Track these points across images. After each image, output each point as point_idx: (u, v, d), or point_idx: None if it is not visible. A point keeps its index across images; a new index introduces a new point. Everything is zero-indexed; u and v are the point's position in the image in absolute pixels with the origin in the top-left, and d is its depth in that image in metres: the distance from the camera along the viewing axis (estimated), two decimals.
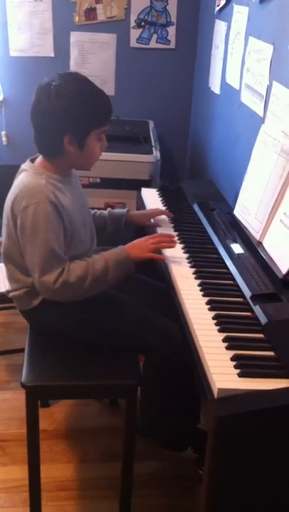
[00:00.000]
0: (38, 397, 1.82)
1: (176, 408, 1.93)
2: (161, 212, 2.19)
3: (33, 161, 1.82)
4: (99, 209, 2.15)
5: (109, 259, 1.77)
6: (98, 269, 1.75)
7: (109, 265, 1.76)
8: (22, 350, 1.92)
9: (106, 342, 1.84)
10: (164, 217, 2.18)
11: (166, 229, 2.10)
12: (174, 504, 2.01)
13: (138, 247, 1.83)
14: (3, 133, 3.56)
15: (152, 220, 2.16)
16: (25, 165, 1.81)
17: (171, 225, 2.14)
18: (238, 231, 1.99)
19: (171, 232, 2.07)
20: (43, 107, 1.69)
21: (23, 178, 1.75)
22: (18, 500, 1.99)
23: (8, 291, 1.89)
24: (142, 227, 2.19)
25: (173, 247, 1.89)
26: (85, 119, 1.70)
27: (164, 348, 1.82)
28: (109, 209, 2.15)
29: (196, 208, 2.28)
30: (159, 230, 2.08)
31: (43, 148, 1.77)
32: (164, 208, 2.31)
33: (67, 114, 1.67)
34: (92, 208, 2.12)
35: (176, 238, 1.95)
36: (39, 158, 1.80)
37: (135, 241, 1.88)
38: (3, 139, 3.57)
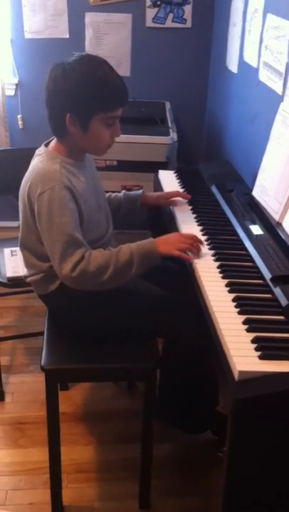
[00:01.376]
0: (58, 380, 1.83)
1: (194, 390, 1.93)
2: (177, 194, 2.16)
3: (47, 145, 1.80)
4: (116, 192, 2.14)
5: (135, 252, 1.71)
6: (122, 261, 1.70)
7: (134, 258, 1.71)
8: (40, 334, 1.93)
9: (121, 325, 1.83)
10: (180, 198, 2.15)
11: (183, 208, 2.07)
12: (192, 486, 2.01)
13: (168, 242, 1.76)
14: (19, 116, 3.54)
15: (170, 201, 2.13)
16: (40, 150, 1.80)
17: (190, 207, 2.12)
18: (256, 212, 1.97)
19: (189, 212, 2.05)
20: (49, 86, 1.69)
21: (37, 164, 1.74)
22: (38, 482, 2.01)
23: (25, 276, 1.89)
24: (157, 208, 2.17)
25: (199, 252, 1.76)
26: (87, 101, 1.67)
27: (179, 329, 1.82)
28: (124, 191, 2.13)
29: (213, 189, 2.26)
30: (176, 209, 2.06)
31: (52, 127, 1.76)
32: (181, 191, 2.28)
33: (68, 93, 1.66)
34: (110, 191, 2.11)
35: (205, 244, 1.81)
36: (52, 142, 1.79)
37: (167, 235, 1.83)
38: (19, 122, 3.55)
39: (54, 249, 1.67)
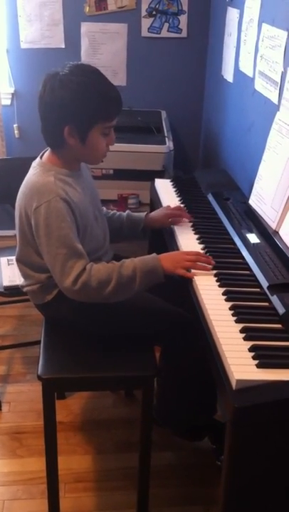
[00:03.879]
0: (55, 390, 1.82)
1: (191, 398, 1.93)
2: (179, 209, 2.09)
3: (42, 156, 1.79)
4: (112, 201, 2.13)
5: (138, 267, 1.69)
6: (124, 276, 1.68)
7: (137, 273, 1.68)
8: (37, 343, 1.92)
9: (118, 333, 1.83)
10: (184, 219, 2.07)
11: (184, 225, 2.04)
12: (191, 494, 2.00)
13: (173, 259, 1.73)
14: (15, 126, 3.56)
15: (170, 220, 2.06)
16: (34, 162, 1.79)
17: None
18: (253, 221, 1.97)
19: (186, 221, 2.05)
20: (46, 96, 1.67)
21: (31, 177, 1.73)
22: (36, 492, 2.00)
23: (22, 286, 1.89)
24: (161, 229, 2.11)
25: (208, 269, 1.71)
26: (87, 112, 1.66)
27: (177, 338, 1.82)
28: (128, 211, 2.10)
29: (210, 197, 2.26)
30: (177, 230, 2.00)
31: (47, 139, 1.74)
32: (177, 199, 2.29)
33: (68, 105, 1.64)
34: (107, 200, 2.10)
35: (212, 261, 1.74)
36: (47, 153, 1.78)
37: (171, 253, 1.81)
38: (15, 131, 3.57)
39: (54, 262, 1.65)
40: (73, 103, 1.64)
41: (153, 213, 2.12)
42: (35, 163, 1.78)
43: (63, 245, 1.64)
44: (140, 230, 2.06)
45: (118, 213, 2.08)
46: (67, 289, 1.66)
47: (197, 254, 1.76)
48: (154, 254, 1.76)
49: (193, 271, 1.70)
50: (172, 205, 2.14)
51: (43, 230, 1.65)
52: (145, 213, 2.09)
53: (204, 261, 1.73)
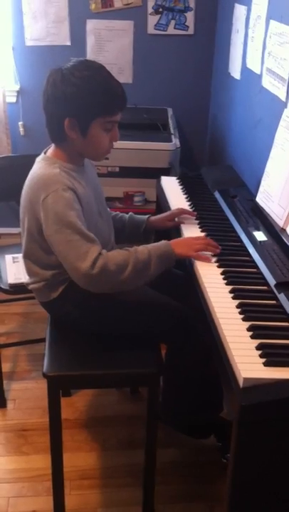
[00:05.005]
0: (60, 387, 1.82)
1: (197, 396, 1.92)
2: (182, 211, 2.08)
3: (46, 152, 1.80)
4: (118, 198, 2.13)
5: (152, 252, 1.71)
6: (140, 260, 1.68)
7: (152, 258, 1.70)
8: (42, 340, 1.92)
9: (123, 331, 1.83)
10: (187, 215, 2.08)
11: (190, 222, 2.04)
12: (195, 491, 2.00)
13: (184, 244, 1.77)
14: (20, 123, 3.55)
15: (176, 219, 2.07)
16: (38, 157, 1.79)
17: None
18: (260, 218, 1.96)
19: (193, 218, 2.05)
20: (48, 90, 1.68)
21: (36, 171, 1.74)
22: (41, 489, 2.00)
23: (27, 284, 1.89)
24: (165, 230, 2.10)
25: (217, 252, 1.77)
26: (87, 105, 1.66)
27: (181, 336, 1.82)
28: (131, 213, 2.09)
29: (217, 195, 2.26)
30: (183, 227, 2.00)
31: (50, 132, 1.75)
32: (184, 197, 2.28)
33: (69, 98, 1.65)
34: (112, 198, 2.09)
35: (219, 248, 1.79)
36: (51, 148, 1.79)
37: (181, 238, 1.85)
38: (20, 129, 3.56)
39: (68, 249, 1.63)
40: (74, 96, 1.65)
41: (155, 216, 2.12)
42: (39, 158, 1.79)
43: (75, 232, 1.62)
44: (142, 232, 2.06)
45: (120, 214, 2.08)
46: (85, 274, 1.61)
47: (205, 238, 1.82)
48: (164, 241, 1.78)
49: (197, 263, 1.72)
50: (179, 205, 2.14)
51: (52, 219, 1.64)
52: (147, 216, 2.09)
53: (213, 245, 1.77)
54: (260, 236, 1.84)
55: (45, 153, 1.80)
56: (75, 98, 1.65)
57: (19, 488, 2.01)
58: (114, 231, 1.98)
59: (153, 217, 2.09)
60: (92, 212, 1.78)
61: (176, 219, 2.06)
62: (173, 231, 2.05)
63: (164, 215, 2.09)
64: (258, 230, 1.89)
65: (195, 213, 2.08)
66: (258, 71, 2.50)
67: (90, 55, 3.41)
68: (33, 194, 1.70)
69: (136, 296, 1.82)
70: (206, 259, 1.73)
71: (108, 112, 1.70)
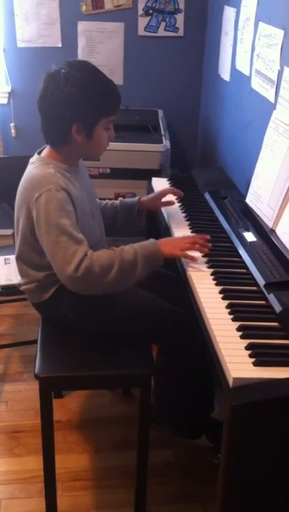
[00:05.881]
0: (52, 388, 1.82)
1: (188, 396, 1.93)
2: (170, 191, 2.19)
3: (40, 153, 1.80)
4: (110, 199, 2.14)
5: (139, 252, 1.69)
6: (126, 260, 1.66)
7: (138, 258, 1.68)
8: (34, 342, 1.92)
9: (116, 331, 1.83)
10: (172, 197, 2.20)
11: (177, 215, 2.09)
12: (189, 492, 2.01)
13: (172, 243, 1.76)
14: (11, 125, 3.55)
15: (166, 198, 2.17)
16: (32, 158, 1.80)
17: (183, 214, 2.13)
18: (250, 219, 1.98)
19: (183, 220, 2.06)
20: (51, 94, 1.67)
21: (31, 171, 1.74)
22: (33, 490, 2.00)
23: (19, 285, 1.89)
24: (154, 213, 2.17)
25: (205, 251, 1.77)
26: (95, 107, 1.68)
27: (174, 336, 1.83)
28: (120, 199, 2.13)
29: (207, 196, 2.27)
30: (169, 216, 2.07)
31: (51, 137, 1.75)
32: (174, 198, 2.28)
33: (77, 101, 1.66)
34: (103, 199, 2.11)
35: (209, 244, 1.79)
36: (46, 149, 1.79)
37: (169, 238, 1.85)
38: (12, 130, 3.56)
39: (56, 250, 1.63)
40: (81, 99, 1.66)
41: (145, 197, 2.19)
42: (33, 159, 1.79)
43: (63, 233, 1.63)
44: (136, 213, 2.08)
45: (110, 202, 2.11)
46: (69, 276, 1.62)
47: (194, 237, 1.81)
48: (151, 239, 1.77)
49: (187, 264, 1.73)
50: (169, 206, 2.18)
51: (43, 219, 1.64)
52: (138, 197, 2.13)
53: (201, 243, 1.77)
54: (249, 237, 1.86)
55: (39, 154, 1.80)
56: (82, 101, 1.66)
57: (11, 490, 2.01)
58: (108, 220, 1.99)
59: (143, 198, 2.15)
60: (85, 213, 1.78)
61: (162, 199, 2.14)
62: (163, 231, 2.06)
63: (154, 195, 2.17)
64: (248, 230, 1.90)
65: (182, 193, 2.18)
66: (247, 73, 2.51)
67: (81, 57, 3.42)
68: (27, 194, 1.70)
69: (130, 296, 1.83)
70: (193, 258, 1.73)
71: (110, 111, 1.74)
